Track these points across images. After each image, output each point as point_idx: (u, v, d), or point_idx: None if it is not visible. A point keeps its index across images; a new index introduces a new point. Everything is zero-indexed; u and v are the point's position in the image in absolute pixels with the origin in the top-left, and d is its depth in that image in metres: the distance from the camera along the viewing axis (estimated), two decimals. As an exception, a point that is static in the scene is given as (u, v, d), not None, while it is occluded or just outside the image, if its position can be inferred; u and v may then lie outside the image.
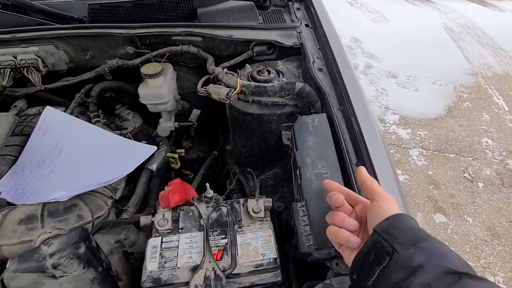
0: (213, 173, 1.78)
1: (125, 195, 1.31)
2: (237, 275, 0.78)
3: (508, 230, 2.44)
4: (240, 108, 1.15)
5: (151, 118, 1.47)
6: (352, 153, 0.87)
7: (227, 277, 0.78)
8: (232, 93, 1.06)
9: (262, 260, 0.80)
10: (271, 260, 0.79)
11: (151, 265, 0.80)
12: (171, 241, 0.85)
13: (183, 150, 1.49)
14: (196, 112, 1.56)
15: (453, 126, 3.41)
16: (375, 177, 0.77)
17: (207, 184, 0.95)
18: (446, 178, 2.86)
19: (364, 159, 0.82)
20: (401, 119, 3.52)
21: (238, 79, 1.08)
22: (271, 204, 0.92)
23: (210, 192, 0.96)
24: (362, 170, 0.68)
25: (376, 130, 0.89)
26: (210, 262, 0.79)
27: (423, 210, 2.61)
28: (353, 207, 0.69)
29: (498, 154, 3.07)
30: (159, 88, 1.20)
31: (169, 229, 0.88)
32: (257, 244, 0.83)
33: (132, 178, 1.37)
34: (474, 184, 2.80)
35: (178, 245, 0.84)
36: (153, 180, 1.40)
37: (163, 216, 0.91)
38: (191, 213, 0.92)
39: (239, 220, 0.89)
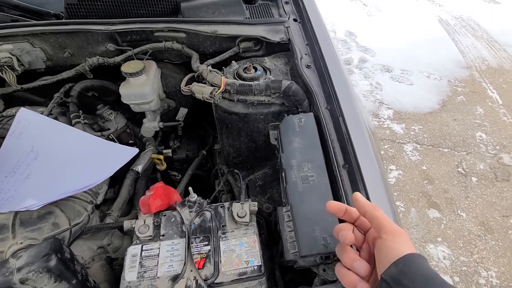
0: (203, 173, 1.74)
1: (110, 198, 1.27)
2: (220, 284, 0.75)
3: (501, 225, 2.45)
4: (226, 108, 1.11)
5: (137, 118, 1.42)
6: (339, 154, 0.84)
7: (209, 286, 0.75)
8: (216, 92, 1.01)
9: (246, 267, 0.76)
10: (256, 267, 0.76)
11: (129, 275, 0.76)
12: (151, 249, 0.81)
13: (169, 151, 1.45)
14: (183, 111, 1.52)
15: (447, 120, 3.40)
16: (362, 180, 0.74)
17: (190, 188, 0.91)
18: (440, 173, 2.85)
19: (351, 161, 0.79)
20: (395, 114, 3.50)
21: (223, 77, 1.04)
22: (256, 208, 0.88)
23: (193, 196, 0.93)
24: (359, 197, 0.59)
25: (365, 130, 0.86)
26: (191, 271, 0.76)
27: (417, 205, 2.60)
28: (365, 233, 0.61)
29: (492, 148, 3.06)
30: (141, 87, 1.15)
31: (150, 236, 0.85)
32: (241, 250, 0.80)
33: (117, 180, 1.33)
34: (467, 179, 2.79)
35: (158, 253, 0.80)
36: (139, 182, 1.36)
37: (144, 222, 0.87)
38: (173, 219, 0.88)
39: (223, 226, 0.86)
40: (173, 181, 1.50)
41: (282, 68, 1.22)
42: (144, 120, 1.28)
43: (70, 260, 0.72)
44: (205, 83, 1.08)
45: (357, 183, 0.75)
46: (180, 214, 0.87)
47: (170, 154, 1.46)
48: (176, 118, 1.51)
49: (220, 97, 1.04)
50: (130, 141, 1.38)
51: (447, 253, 2.30)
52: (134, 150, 0.99)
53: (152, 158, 1.26)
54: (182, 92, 1.11)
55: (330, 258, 0.72)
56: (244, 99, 1.03)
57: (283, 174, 0.84)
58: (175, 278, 0.75)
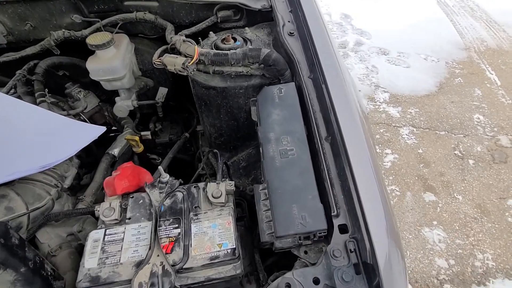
0: (188, 157, 1.66)
1: (87, 184, 1.19)
2: (189, 269, 0.68)
3: (497, 207, 2.40)
4: (203, 82, 1.02)
5: (113, 99, 1.33)
6: (322, 126, 0.76)
7: (177, 272, 0.68)
8: (189, 63, 0.92)
9: (219, 251, 0.69)
10: (229, 251, 0.69)
11: (90, 262, 0.69)
12: (115, 233, 0.73)
13: (148, 133, 1.36)
14: (162, 91, 1.42)
15: (444, 102, 3.31)
16: (346, 153, 0.66)
17: (160, 168, 0.83)
18: (437, 156, 2.78)
19: (334, 132, 0.71)
20: (391, 97, 3.40)
21: (196, 47, 0.94)
22: (233, 188, 0.80)
23: (165, 177, 0.85)
24: None
25: (351, 100, 0.77)
26: (158, 255, 0.69)
27: (412, 189, 2.55)
28: None
29: (490, 130, 2.99)
30: (110, 61, 1.05)
31: (116, 219, 0.77)
32: (214, 233, 0.72)
33: (93, 165, 1.25)
34: (464, 161, 2.73)
35: (123, 238, 0.73)
36: (115, 166, 1.28)
37: (110, 205, 0.79)
38: (141, 201, 0.80)
39: (195, 207, 0.78)
40: (154, 166, 1.41)
41: (264, 39, 1.12)
42: (117, 99, 1.19)
43: (18, 246, 0.64)
44: (177, 55, 0.98)
45: (340, 156, 0.67)
46: (149, 196, 0.80)
47: (149, 136, 1.37)
48: (156, 99, 1.42)
49: (195, 69, 0.95)
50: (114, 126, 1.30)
51: (442, 236, 2.26)
52: (100, 129, 0.91)
53: (128, 140, 1.17)
54: (154, 65, 1.01)
55: (310, 238, 0.65)
56: (221, 70, 0.94)
57: (261, 149, 0.76)
58: (139, 264, 0.67)
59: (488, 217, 2.36)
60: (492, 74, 3.70)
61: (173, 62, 0.94)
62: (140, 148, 1.20)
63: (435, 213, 2.41)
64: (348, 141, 0.67)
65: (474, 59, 3.93)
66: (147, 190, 0.81)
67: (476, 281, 2.05)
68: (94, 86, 1.35)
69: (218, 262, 0.68)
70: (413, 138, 2.98)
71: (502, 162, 2.74)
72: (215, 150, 1.07)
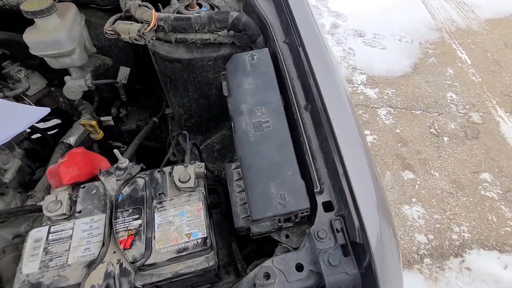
0: (160, 145, 1.53)
1: (40, 178, 1.04)
2: (153, 265, 0.58)
3: (471, 181, 2.48)
4: (165, 54, 0.89)
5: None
6: (300, 94, 0.67)
7: (139, 269, 0.57)
8: (146, 29, 0.79)
9: (187, 242, 0.60)
10: (199, 241, 0.60)
11: (29, 266, 0.57)
12: (62, 231, 0.62)
13: (109, 118, 1.21)
14: (124, 71, 1.27)
15: (419, 82, 3.36)
16: (328, 121, 0.57)
17: (116, 151, 0.71)
18: (414, 135, 2.82)
19: (315, 99, 0.62)
20: (368, 79, 3.40)
21: (153, 11, 0.81)
22: (203, 170, 0.70)
23: (123, 162, 0.73)
24: None
25: (330, 63, 0.69)
26: (114, 252, 0.58)
27: (391, 168, 2.57)
28: None
29: (462, 107, 3.08)
30: (53, 32, 0.90)
31: (65, 214, 0.65)
32: (181, 222, 0.62)
33: (49, 158, 1.09)
34: (439, 139, 2.79)
35: (72, 235, 0.61)
36: (73, 157, 1.13)
37: (56, 198, 0.67)
38: (94, 191, 0.68)
39: (159, 194, 0.67)
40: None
41: (233, 5, 1.00)
42: (67, 78, 1.03)
43: None
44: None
45: (322, 126, 0.59)
46: (104, 185, 0.68)
47: (111, 122, 1.23)
48: (117, 80, 1.27)
49: (153, 37, 0.82)
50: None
51: (421, 212, 2.30)
52: (41, 111, 0.76)
53: (83, 125, 1.03)
54: (106, 35, 0.87)
55: (291, 220, 0.57)
56: (184, 38, 0.82)
57: (232, 122, 0.66)
58: (91, 264, 0.56)
59: (463, 191, 2.44)
60: (463, 53, 3.80)
61: (127, 30, 0.80)
62: (99, 135, 1.06)
63: (414, 190, 2.45)
64: (330, 108, 0.59)
65: (446, 39, 4.01)
66: (101, 178, 0.69)
67: (453, 253, 2.11)
68: (43, 68, 1.18)
69: (187, 254, 0.59)
70: (391, 118, 3.00)
71: (474, 138, 2.83)
72: (184, 132, 0.95)
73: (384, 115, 3.02)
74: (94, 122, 1.02)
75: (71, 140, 1.10)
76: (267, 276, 0.48)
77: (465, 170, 2.57)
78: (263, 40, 0.83)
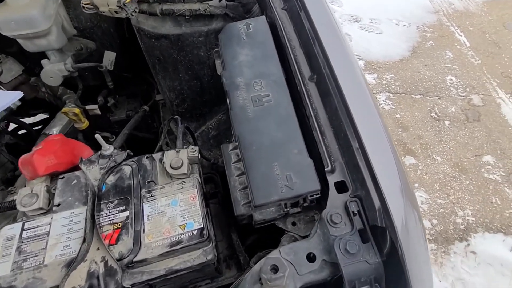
0: (152, 135, 1.45)
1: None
2: (144, 261, 0.51)
3: (474, 164, 2.43)
4: (151, 30, 0.80)
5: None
6: (304, 64, 0.59)
7: (127, 267, 0.50)
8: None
9: (182, 234, 0.52)
10: (195, 232, 0.52)
11: (0, 268, 0.49)
12: (38, 226, 0.54)
13: (95, 106, 1.13)
14: (110, 56, 1.18)
15: (418, 66, 3.29)
16: (338, 90, 0.50)
17: (98, 136, 0.63)
18: (414, 119, 2.76)
19: (321, 68, 0.55)
20: (366, 64, 3.32)
21: (135, -22, 0.72)
22: (197, 155, 0.63)
23: (107, 149, 0.65)
24: None
25: (336, 27, 0.61)
26: (98, 249, 0.51)
27: (393, 154, 2.51)
28: None
29: (462, 90, 3.02)
30: (25, 9, 0.80)
31: (42, 208, 0.57)
32: (174, 212, 0.55)
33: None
34: (440, 123, 2.73)
35: (49, 231, 0.53)
36: (57, 149, 1.05)
37: (32, 190, 0.59)
38: (74, 181, 0.60)
39: (148, 182, 0.60)
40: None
41: (225, -24, 0.91)
42: (44, 62, 0.94)
43: None
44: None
45: (331, 96, 0.51)
46: (85, 174, 0.60)
47: (98, 111, 1.14)
48: (103, 64, 1.18)
49: (136, 9, 0.73)
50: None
51: (424, 197, 2.25)
52: (13, 95, 0.68)
53: (66, 114, 0.94)
54: (83, 10, 0.78)
55: (299, 205, 0.50)
56: (171, 9, 0.73)
57: (227, 98, 0.58)
58: (71, 263, 0.49)
59: (466, 175, 2.39)
60: (461, 36, 3.72)
61: (105, 1, 0.72)
62: (83, 124, 0.98)
63: (416, 175, 2.40)
64: (340, 76, 0.51)
65: (444, 22, 3.93)
66: (82, 167, 0.61)
67: (458, 238, 2.07)
68: (22, 56, 1.09)
69: (181, 248, 0.51)
70: (390, 103, 2.94)
71: (475, 120, 2.78)
72: (176, 116, 0.87)
73: (383, 100, 2.95)
74: (77, 110, 0.93)
75: (54, 131, 1.01)
76: (275, 269, 0.41)
77: (467, 153, 2.52)
78: (259, 10, 0.74)
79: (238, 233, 0.66)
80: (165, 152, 0.65)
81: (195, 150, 0.63)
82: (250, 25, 0.65)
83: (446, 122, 2.75)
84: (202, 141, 1.04)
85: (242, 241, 0.70)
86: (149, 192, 0.58)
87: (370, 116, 0.48)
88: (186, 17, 0.75)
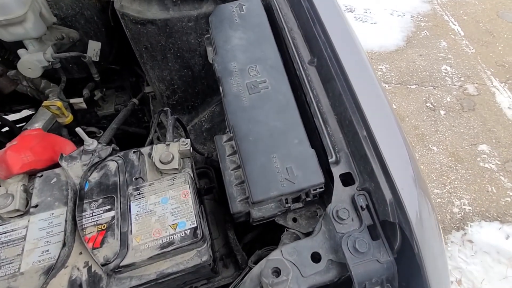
0: (143, 130, 1.39)
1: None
2: (132, 266, 0.46)
3: (470, 153, 2.43)
4: (136, 15, 0.74)
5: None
6: (303, 47, 0.54)
7: (114, 272, 0.46)
8: (107, -21, 0.64)
9: (173, 234, 0.48)
10: (188, 232, 0.48)
11: (-31, 278, 0.44)
12: (13, 231, 0.49)
13: (80, 100, 1.06)
14: (94, 46, 1.11)
15: (413, 56, 3.26)
16: (342, 72, 0.45)
17: (79, 129, 0.58)
18: (410, 110, 2.75)
19: (322, 51, 0.50)
20: (361, 55, 3.27)
21: (116, -44, 0.66)
22: (189, 148, 0.58)
23: (90, 143, 0.60)
24: None
25: (338, 8, 0.56)
26: (81, 254, 0.46)
27: (389, 145, 2.49)
28: None
29: (457, 80, 3.00)
30: (-4, -6, 0.74)
31: (18, 210, 0.52)
32: (165, 210, 0.50)
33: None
34: (436, 113, 2.72)
35: (25, 235, 0.48)
36: (40, 146, 0.99)
37: (7, 191, 0.53)
38: (54, 180, 0.55)
39: (136, 178, 0.55)
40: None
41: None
42: (21, 52, 0.87)
43: None
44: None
45: (334, 80, 0.47)
46: (66, 172, 0.55)
47: (84, 105, 1.08)
48: (88, 55, 1.11)
49: (118, -9, 0.67)
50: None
51: (421, 188, 2.25)
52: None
53: (47, 108, 0.88)
54: (60, -7, 0.71)
55: (301, 200, 0.46)
56: (156, -9, 0.67)
57: (220, 86, 0.53)
58: (49, 271, 0.44)
59: (462, 164, 2.39)
60: (455, 25, 3.70)
61: (84, -18, 0.65)
62: (67, 118, 0.91)
63: (413, 166, 2.39)
64: (344, 58, 0.46)
65: (438, 11, 3.90)
66: (63, 164, 0.56)
67: (455, 227, 2.08)
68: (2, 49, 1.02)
69: (173, 250, 0.47)
70: (386, 94, 2.91)
71: (470, 110, 2.77)
72: (166, 108, 0.82)
73: (379, 91, 2.92)
74: (59, 103, 0.87)
75: (36, 126, 0.95)
76: (277, 271, 0.37)
77: (463, 142, 2.52)
78: (252, -10, 0.68)
79: (235, 230, 0.62)
80: (154, 146, 0.60)
81: (187, 143, 0.59)
82: (243, 6, 0.60)
83: (442, 112, 2.74)
84: (195, 135, 0.99)
85: (239, 238, 0.66)
86: (137, 189, 0.53)
87: (378, 100, 0.44)
88: (174, 0, 0.69)
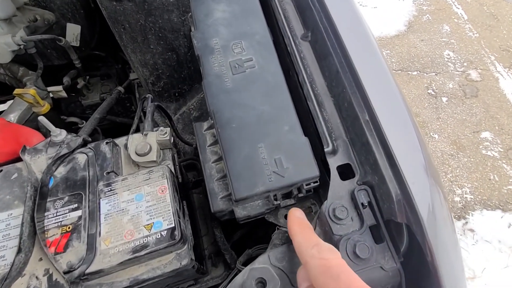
0: (131, 119, 1.32)
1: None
2: (100, 272, 0.40)
3: (472, 141, 2.37)
4: (110, -10, 0.66)
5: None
6: (296, 19, 0.47)
7: (80, 280, 0.40)
8: None
9: (147, 236, 0.42)
10: (164, 233, 0.42)
11: None
12: (-36, 234, 0.43)
13: (60, 88, 0.99)
14: (73, 29, 1.03)
15: (414, 41, 3.16)
16: (341, 47, 0.39)
17: (42, 118, 0.51)
18: (411, 97, 2.67)
19: (318, 23, 0.43)
20: (361, 40, 3.17)
21: None
22: (169, 138, 0.52)
23: (58, 133, 0.53)
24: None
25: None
26: (41, 260, 0.40)
27: (389, 133, 2.43)
28: None
29: (460, 65, 2.91)
30: (-50, -33, 0.65)
31: (-26, 210, 0.46)
32: (138, 209, 0.44)
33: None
34: (438, 100, 2.65)
35: (-22, 239, 0.42)
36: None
37: (-39, 188, 0.47)
38: (15, 175, 0.49)
39: (108, 173, 0.49)
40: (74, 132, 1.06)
41: None
42: (-14, 34, 0.79)
43: None
44: None
45: (331, 56, 0.40)
46: (28, 166, 0.48)
47: (64, 94, 1.00)
48: (66, 39, 1.03)
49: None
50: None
51: (422, 177, 2.20)
52: None
53: (19, 96, 0.80)
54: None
55: (293, 196, 0.40)
56: (129, -40, 0.59)
57: (200, 64, 0.46)
58: (4, 280, 0.39)
59: (464, 152, 2.34)
60: (459, 8, 3.58)
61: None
62: (43, 107, 0.84)
63: (414, 155, 2.34)
64: (343, 31, 0.39)
65: (441, -6, 3.76)
66: (24, 157, 0.49)
67: (456, 216, 2.04)
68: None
69: (147, 253, 0.41)
70: (392, 72, 2.84)
71: (473, 96, 2.70)
72: (148, 95, 0.74)
73: (379, 78, 2.84)
74: (32, 91, 0.80)
75: (12, 117, 0.88)
76: (262, 282, 0.31)
77: (465, 130, 2.46)
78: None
79: (224, 227, 0.56)
80: (130, 136, 0.54)
81: (166, 132, 0.52)
82: (227, -26, 0.52)
83: (444, 99, 2.67)
84: (183, 124, 0.92)
85: (229, 235, 0.61)
86: (108, 185, 0.47)
87: (383, 79, 0.37)
88: (151, -30, 0.61)
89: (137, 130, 0.86)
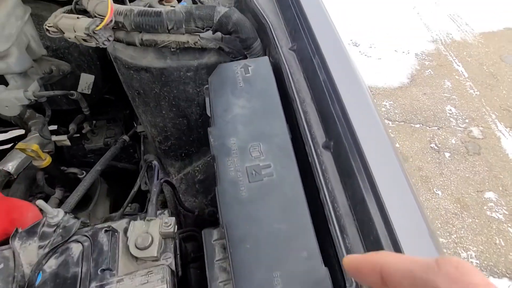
0: (133, 166, 1.29)
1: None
2: None
3: (476, 200, 2.33)
4: (129, 60, 0.67)
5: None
6: (317, 124, 0.46)
7: None
8: (98, 25, 0.56)
9: None
10: None
11: None
12: None
13: (64, 137, 0.97)
14: (87, 79, 1.04)
15: (417, 94, 3.25)
16: (363, 161, 0.37)
17: (41, 202, 0.48)
18: (414, 150, 2.68)
19: (339, 133, 0.41)
20: (365, 90, 3.26)
21: (110, 2, 0.59)
22: (173, 230, 0.48)
23: (54, 214, 0.50)
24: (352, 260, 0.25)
25: (363, 84, 0.48)
26: None
27: (392, 187, 2.39)
28: None
29: (462, 121, 2.96)
30: (-25, 28, 0.66)
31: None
32: (132, 324, 0.40)
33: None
34: (441, 155, 2.65)
35: None
36: (13, 188, 0.89)
37: None
38: (1, 266, 0.44)
39: (103, 270, 0.44)
40: (74, 183, 1.03)
41: (223, 1, 0.79)
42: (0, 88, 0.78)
43: None
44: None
45: (355, 176, 0.38)
46: (15, 258, 0.44)
47: (67, 142, 0.99)
48: (79, 90, 1.04)
49: (110, 38, 0.59)
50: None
51: (426, 236, 2.12)
52: None
53: (22, 150, 0.78)
54: (47, 33, 0.64)
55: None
56: (153, 40, 0.60)
57: (215, 166, 0.44)
58: None
59: (468, 212, 2.28)
60: (459, 66, 3.73)
61: (72, 26, 0.58)
62: (44, 161, 0.82)
63: (417, 211, 2.28)
64: (365, 147, 0.38)
65: (442, 51, 3.95)
66: (14, 244, 0.46)
67: (462, 283, 1.93)
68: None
69: None
70: (390, 132, 2.85)
71: (476, 154, 2.70)
72: (154, 162, 0.72)
73: (382, 128, 2.87)
74: (35, 146, 0.78)
75: (10, 166, 0.85)
76: None
77: (469, 188, 2.43)
78: (260, 46, 0.61)
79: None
80: (132, 222, 0.50)
81: (170, 224, 0.49)
82: (249, 68, 0.52)
83: (447, 154, 2.67)
84: (186, 185, 0.89)
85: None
86: (101, 286, 0.42)
87: (414, 213, 0.34)
88: (172, 49, 0.62)
89: (138, 192, 0.83)
